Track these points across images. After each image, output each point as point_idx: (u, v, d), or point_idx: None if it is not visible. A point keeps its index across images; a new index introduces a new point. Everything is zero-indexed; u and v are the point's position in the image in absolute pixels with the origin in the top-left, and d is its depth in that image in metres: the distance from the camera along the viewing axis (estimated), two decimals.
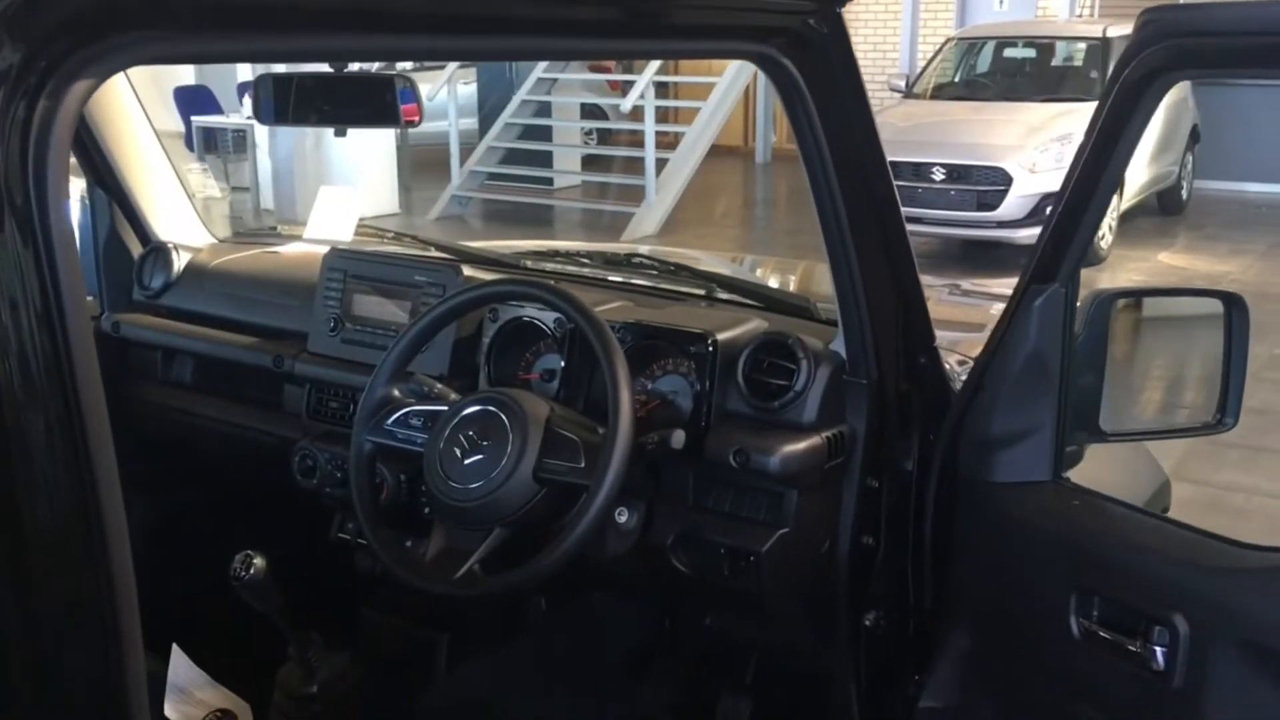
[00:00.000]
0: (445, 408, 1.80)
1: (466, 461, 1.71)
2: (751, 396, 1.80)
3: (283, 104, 1.83)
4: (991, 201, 8.85)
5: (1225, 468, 5.05)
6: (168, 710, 1.97)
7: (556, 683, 2.37)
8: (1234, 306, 1.66)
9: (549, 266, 2.40)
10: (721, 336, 1.84)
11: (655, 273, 2.26)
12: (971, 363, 2.01)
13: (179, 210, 2.59)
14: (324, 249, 2.27)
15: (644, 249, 2.31)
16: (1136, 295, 1.75)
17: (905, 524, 1.91)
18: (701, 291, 2.24)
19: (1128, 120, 1.43)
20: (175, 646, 2.10)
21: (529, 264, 2.39)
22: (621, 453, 1.63)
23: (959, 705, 1.72)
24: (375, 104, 1.78)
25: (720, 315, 2.01)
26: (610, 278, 2.34)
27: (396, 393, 1.86)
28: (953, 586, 1.76)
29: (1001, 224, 8.90)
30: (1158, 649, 1.41)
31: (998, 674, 1.67)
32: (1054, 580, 1.55)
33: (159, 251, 2.51)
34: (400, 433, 1.82)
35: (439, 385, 1.88)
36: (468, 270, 2.10)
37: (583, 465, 1.67)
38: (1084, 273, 1.64)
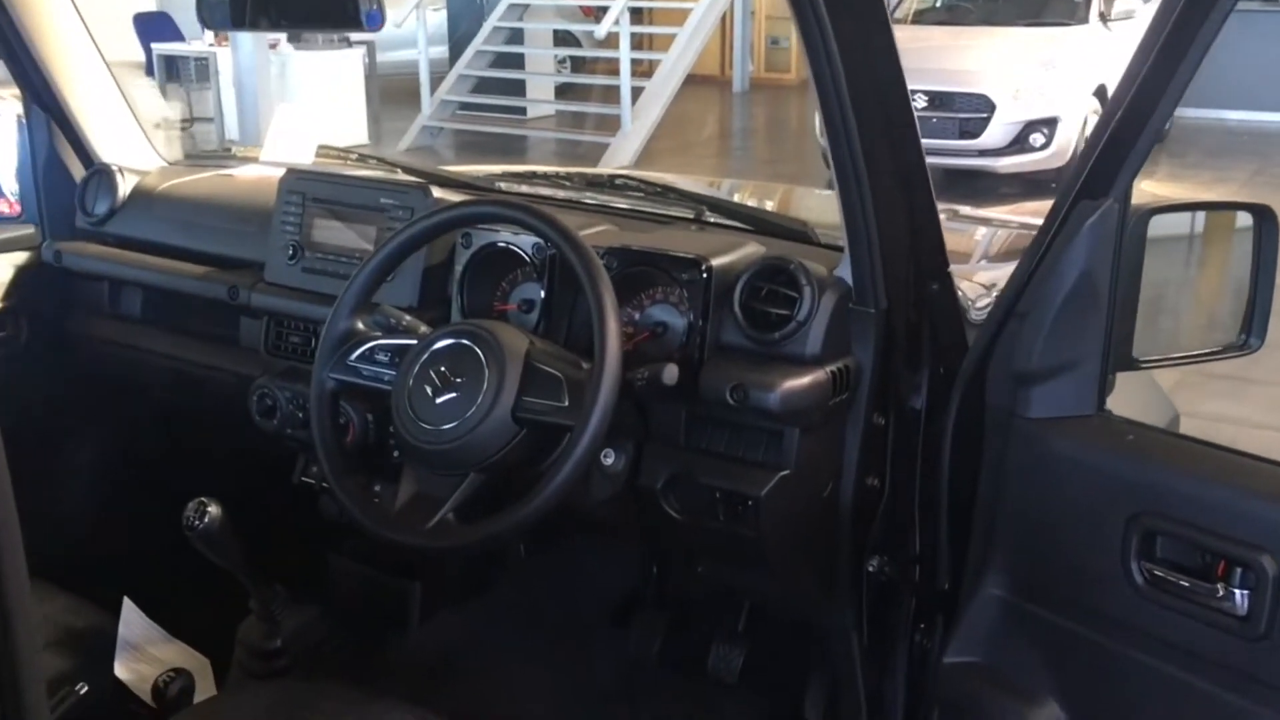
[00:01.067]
0: (414, 342, 1.64)
1: (438, 401, 1.55)
2: (749, 327, 1.65)
3: (236, 7, 1.65)
4: (973, 129, 8.69)
5: (1213, 398, 4.95)
6: (118, 668, 1.83)
7: (536, 633, 2.24)
8: (1265, 220, 1.54)
9: (525, 189, 2.23)
10: (716, 262, 1.69)
11: (640, 195, 2.09)
12: (987, 291, 1.87)
13: (124, 130, 2.41)
14: (281, 172, 2.09)
15: (626, 171, 2.13)
16: (1174, 210, 1.60)
17: (913, 464, 1.77)
18: (690, 214, 2.08)
19: (1208, 11, 1.28)
20: (126, 600, 1.96)
21: (503, 186, 2.22)
22: (608, 389, 1.48)
23: (994, 660, 1.59)
24: (333, 4, 1.60)
25: (713, 239, 1.85)
26: (591, 200, 2.17)
27: (361, 326, 1.70)
28: (980, 531, 1.62)
29: (983, 152, 8.75)
30: (1239, 592, 1.28)
31: (1040, 625, 1.53)
32: (1108, 521, 1.41)
33: (103, 174, 2.32)
34: (366, 369, 1.67)
35: (407, 317, 1.72)
36: (438, 193, 1.93)
37: (566, 404, 1.52)
38: None
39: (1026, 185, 8.79)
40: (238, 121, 10.49)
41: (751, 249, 1.77)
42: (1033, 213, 2.59)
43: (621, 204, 2.15)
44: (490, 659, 2.15)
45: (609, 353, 1.48)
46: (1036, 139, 8.66)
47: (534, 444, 1.57)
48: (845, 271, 1.67)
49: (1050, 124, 8.67)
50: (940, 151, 8.76)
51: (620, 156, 9.87)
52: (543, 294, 1.80)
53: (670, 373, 1.55)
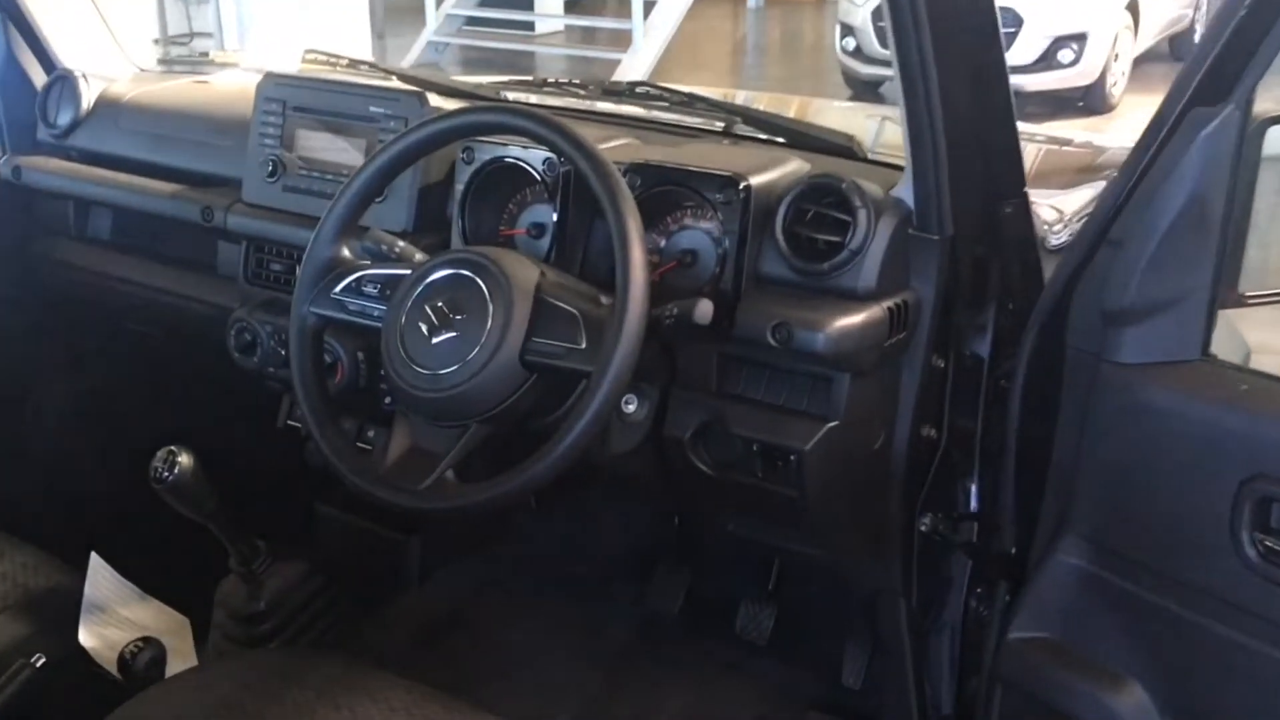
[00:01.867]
0: (408, 272, 1.42)
1: (435, 340, 1.34)
2: (794, 257, 1.43)
3: None
4: None
5: (1257, 327, 4.71)
6: (83, 634, 1.64)
7: (547, 590, 2.05)
8: None
9: (534, 99, 2.00)
10: (756, 180, 1.46)
11: (663, 105, 1.86)
12: (1061, 216, 1.64)
13: (90, 32, 2.17)
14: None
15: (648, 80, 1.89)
16: None
17: (974, 412, 1.56)
18: (720, 126, 1.85)
19: None
20: (94, 555, 1.76)
21: (510, 97, 1.99)
22: (632, 329, 1.26)
23: (1068, 637, 1.39)
24: None
25: (749, 155, 1.62)
26: (609, 111, 1.94)
27: (346, 252, 1.48)
28: (1055, 491, 1.42)
29: (1010, 69, 8.39)
30: None
31: (1126, 599, 1.33)
32: (1216, 484, 1.20)
33: (65, 81, 2.09)
34: (352, 303, 1.45)
35: (400, 244, 1.50)
36: (435, 101, 1.70)
37: (583, 345, 1.30)
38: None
39: (1053, 104, 8.45)
40: (239, 38, 10.17)
41: (795, 166, 1.54)
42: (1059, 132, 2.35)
43: (642, 115, 1.92)
44: (496, 620, 1.96)
45: (633, 286, 1.27)
46: (1065, 55, 8.31)
47: (545, 390, 1.37)
48: (905, 192, 1.44)
49: (1079, 39, 8.31)
50: None
51: (631, 73, 9.54)
52: (555, 217, 1.58)
53: (703, 310, 1.34)
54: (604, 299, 1.41)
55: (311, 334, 1.46)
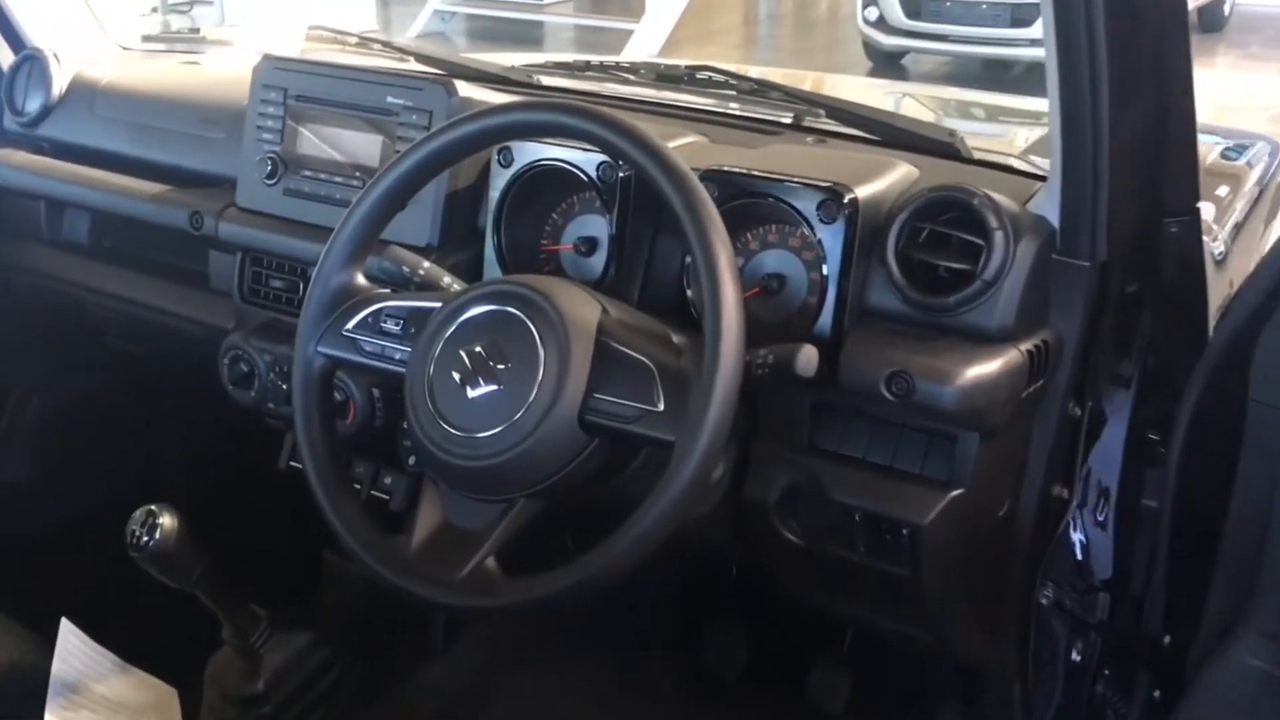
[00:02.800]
0: (436, 305, 1.16)
1: (472, 394, 1.08)
2: (910, 287, 1.17)
3: None
4: (1027, 16, 8.03)
5: None
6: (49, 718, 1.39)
7: (590, 647, 1.79)
8: None
9: (574, 86, 1.73)
10: (863, 192, 1.19)
11: (730, 92, 1.58)
12: (1216, 227, 1.38)
13: (63, 6, 1.89)
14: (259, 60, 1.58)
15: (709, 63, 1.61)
16: None
17: (1111, 470, 1.30)
18: (788, 118, 1.58)
19: None
20: (65, 622, 1.51)
21: (546, 82, 1.71)
22: (726, 389, 1.00)
23: None
24: None
25: (843, 158, 1.36)
26: (655, 99, 1.67)
27: (361, 279, 1.22)
28: (1230, 575, 1.16)
29: (1035, 41, 8.09)
30: None
31: None
32: None
33: (34, 62, 1.83)
34: (368, 342, 1.19)
35: (426, 265, 1.24)
36: (464, 90, 1.43)
37: (660, 407, 1.04)
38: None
39: None
40: (242, 6, 9.82)
41: (903, 172, 1.27)
42: None
43: (698, 105, 1.65)
44: (532, 689, 1.70)
45: (726, 334, 1.00)
46: None
47: (610, 457, 1.11)
48: (1047, 208, 1.18)
49: None
50: (990, 40, 8.14)
51: (645, 44, 9.22)
52: (610, 231, 1.31)
53: (807, 359, 1.07)
54: (675, 338, 1.15)
55: (319, 379, 1.20)
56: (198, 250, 1.65)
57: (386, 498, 1.52)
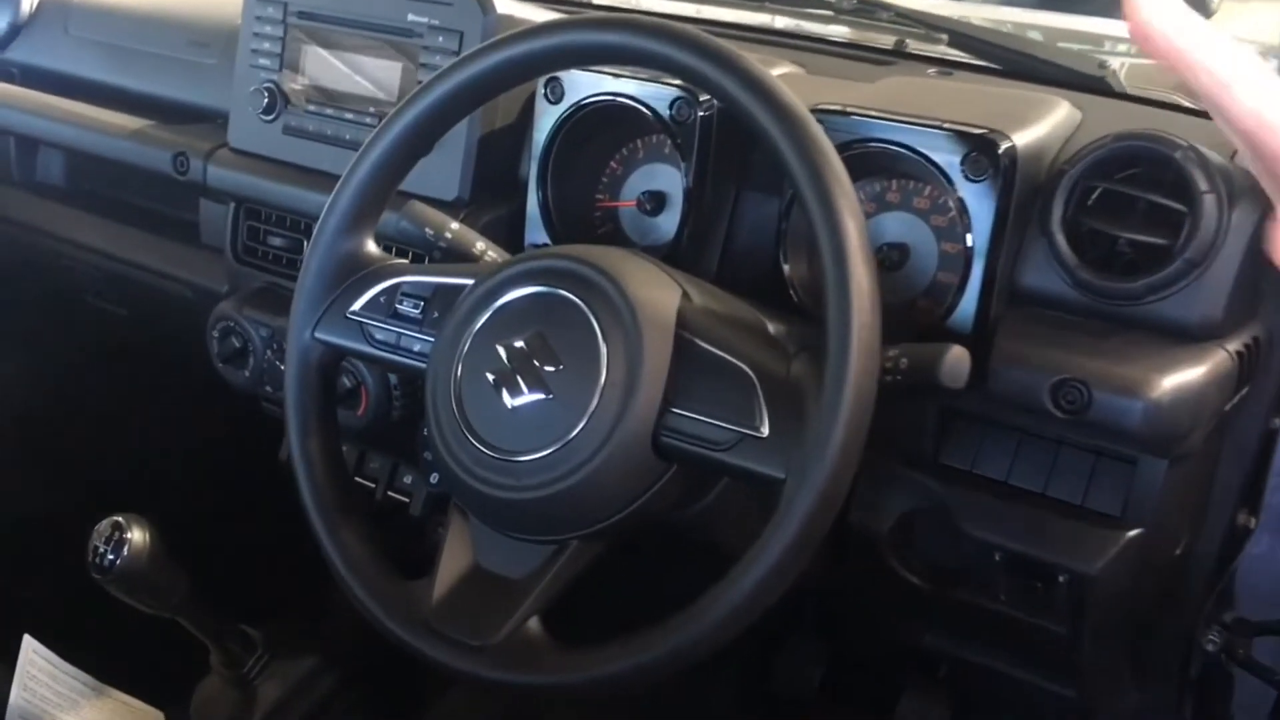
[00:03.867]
0: (467, 282, 0.90)
1: (513, 403, 0.82)
2: (1084, 267, 0.90)
3: None
4: None
5: None
6: None
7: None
8: None
9: (632, 2, 1.44)
10: (1021, 139, 0.92)
11: (828, 11, 1.30)
12: None
13: None
14: None
15: None
16: None
17: None
18: (890, 43, 1.29)
19: None
20: (28, 640, 1.28)
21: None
22: (857, 409, 0.73)
23: None
24: None
25: (983, 94, 1.08)
26: (744, 20, 1.38)
27: (372, 246, 0.95)
28: None
29: None
30: None
31: None
32: None
33: None
34: (380, 327, 0.93)
35: (454, 225, 0.98)
36: (503, 5, 1.15)
37: (764, 431, 0.77)
38: None
39: None
40: None
41: (1066, 115, 0.99)
42: None
43: (790, 26, 1.36)
44: (577, 709, 1.46)
45: (859, 334, 0.73)
46: None
47: (689, 488, 0.85)
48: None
49: None
50: None
51: None
52: (686, 184, 1.04)
53: (955, 367, 0.80)
54: (771, 328, 0.89)
55: (317, 372, 0.94)
56: (188, 197, 1.40)
57: (406, 500, 1.28)
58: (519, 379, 0.82)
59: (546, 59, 0.87)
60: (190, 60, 1.41)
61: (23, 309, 1.64)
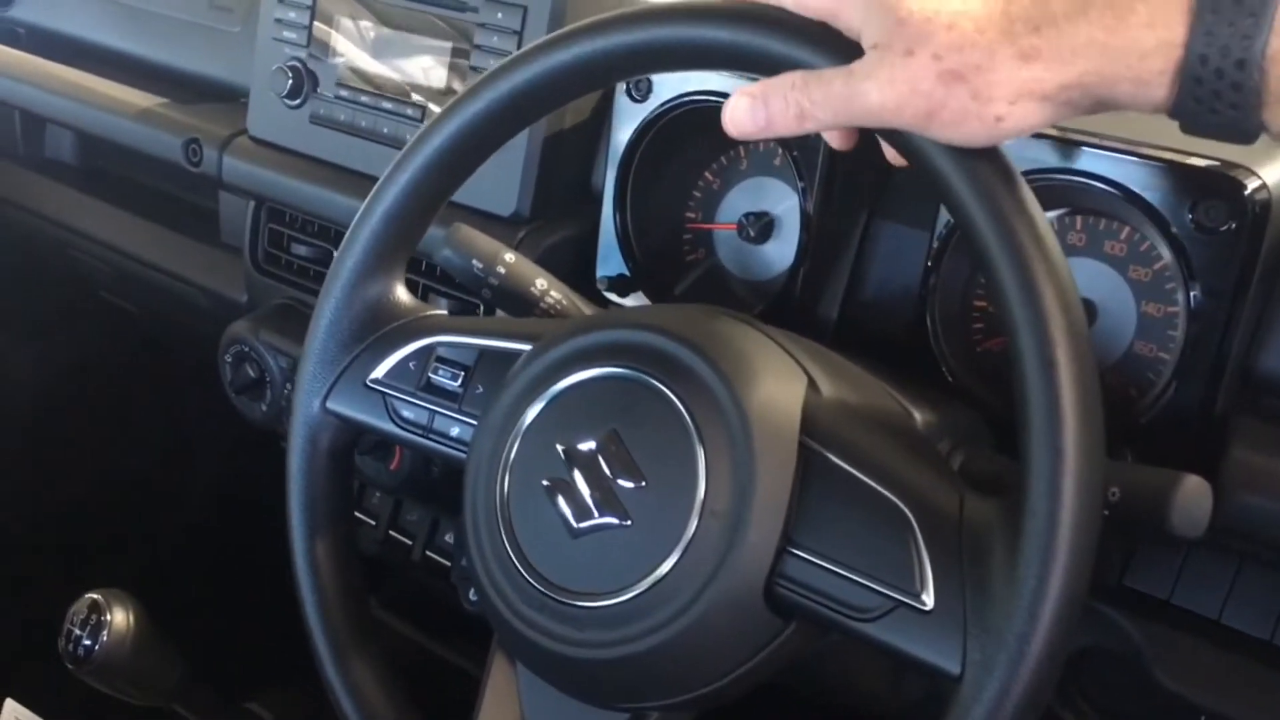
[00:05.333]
0: (522, 348, 0.69)
1: (579, 525, 0.61)
2: None
3: None
4: None
5: None
6: None
7: None
8: None
9: None
10: (1272, 174, 0.68)
11: None
12: None
13: None
14: None
15: None
16: None
17: None
18: None
19: None
20: (10, 704, 1.10)
21: None
22: (1066, 592, 0.51)
23: None
24: None
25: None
26: None
27: (401, 293, 0.74)
28: None
29: None
30: None
31: None
32: None
33: None
34: (407, 402, 0.72)
35: (509, 257, 0.76)
36: None
37: (927, 598, 0.55)
38: None
39: None
40: None
41: None
42: None
43: None
44: None
45: (1072, 491, 0.51)
46: None
47: (809, 640, 0.64)
48: None
49: None
50: None
51: None
52: (804, 206, 0.82)
53: (1191, 507, 0.57)
54: (918, 416, 0.67)
55: (328, 452, 0.74)
56: (205, 185, 1.20)
57: (447, 563, 1.08)
58: (586, 496, 0.61)
59: (635, 59, 0.65)
60: (210, 26, 1.21)
61: (29, 300, 1.46)
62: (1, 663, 1.19)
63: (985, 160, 0.53)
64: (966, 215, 0.53)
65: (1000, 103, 0.51)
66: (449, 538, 1.07)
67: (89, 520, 1.30)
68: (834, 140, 0.63)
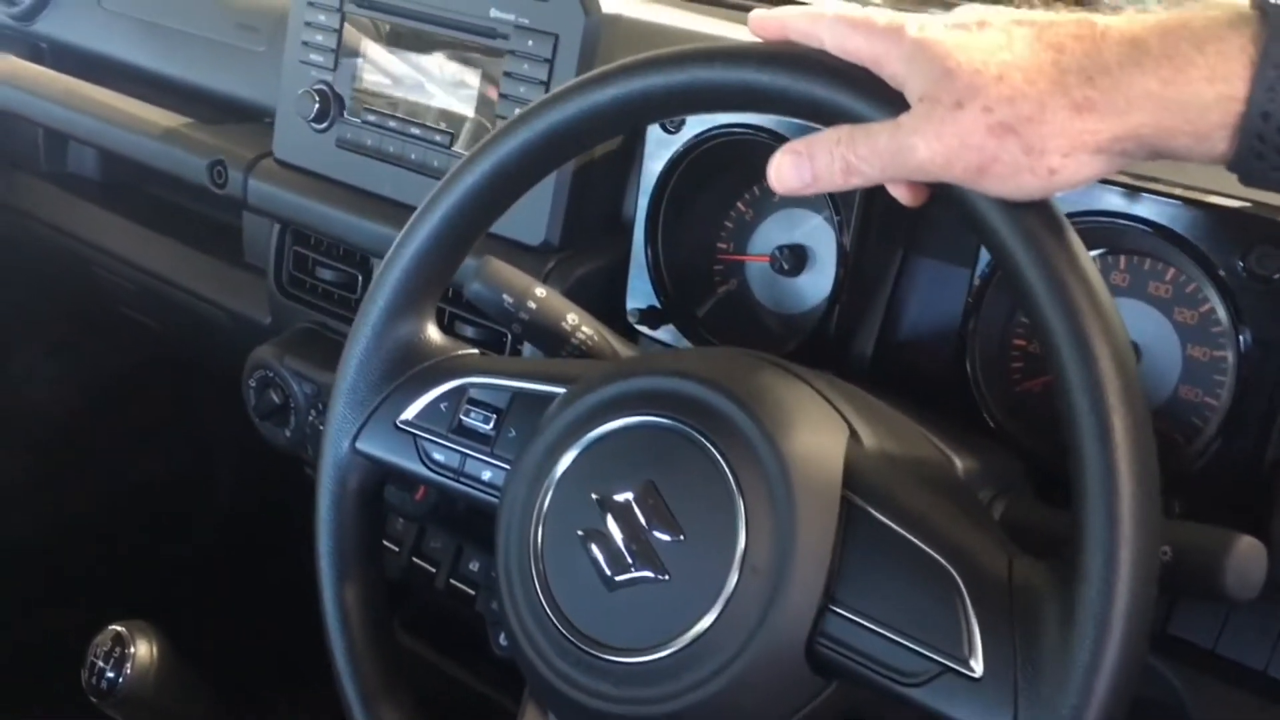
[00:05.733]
0: (556, 390, 0.67)
1: (619, 579, 0.60)
2: None
3: None
4: None
5: None
6: None
7: None
8: None
9: None
10: None
11: None
12: None
13: None
14: None
15: None
16: None
17: None
18: None
19: None
20: None
21: None
22: (1123, 664, 0.50)
23: None
24: None
25: None
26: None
27: (432, 332, 0.73)
28: None
29: None
30: None
31: None
32: None
33: None
34: (438, 444, 0.71)
35: (539, 291, 0.75)
36: (609, 2, 0.91)
37: (977, 667, 0.54)
38: None
39: None
40: None
41: None
42: None
43: None
44: None
45: (1129, 560, 0.50)
46: None
47: (850, 699, 0.62)
48: None
49: None
50: None
51: None
52: (840, 240, 0.81)
53: (1245, 569, 0.56)
54: (959, 463, 0.66)
55: (357, 493, 0.73)
56: (230, 206, 1.19)
57: (472, 593, 1.06)
58: (622, 548, 0.60)
59: (674, 101, 0.63)
60: (236, 46, 1.20)
61: (51, 315, 1.45)
62: (22, 690, 1.18)
63: (1036, 214, 0.52)
64: (1018, 271, 0.52)
65: (1054, 155, 0.49)
66: (473, 566, 1.06)
67: (107, 539, 1.29)
68: (902, 195, 0.61)
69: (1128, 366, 0.51)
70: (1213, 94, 0.47)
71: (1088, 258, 0.52)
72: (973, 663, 0.53)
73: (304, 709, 1.13)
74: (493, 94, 0.93)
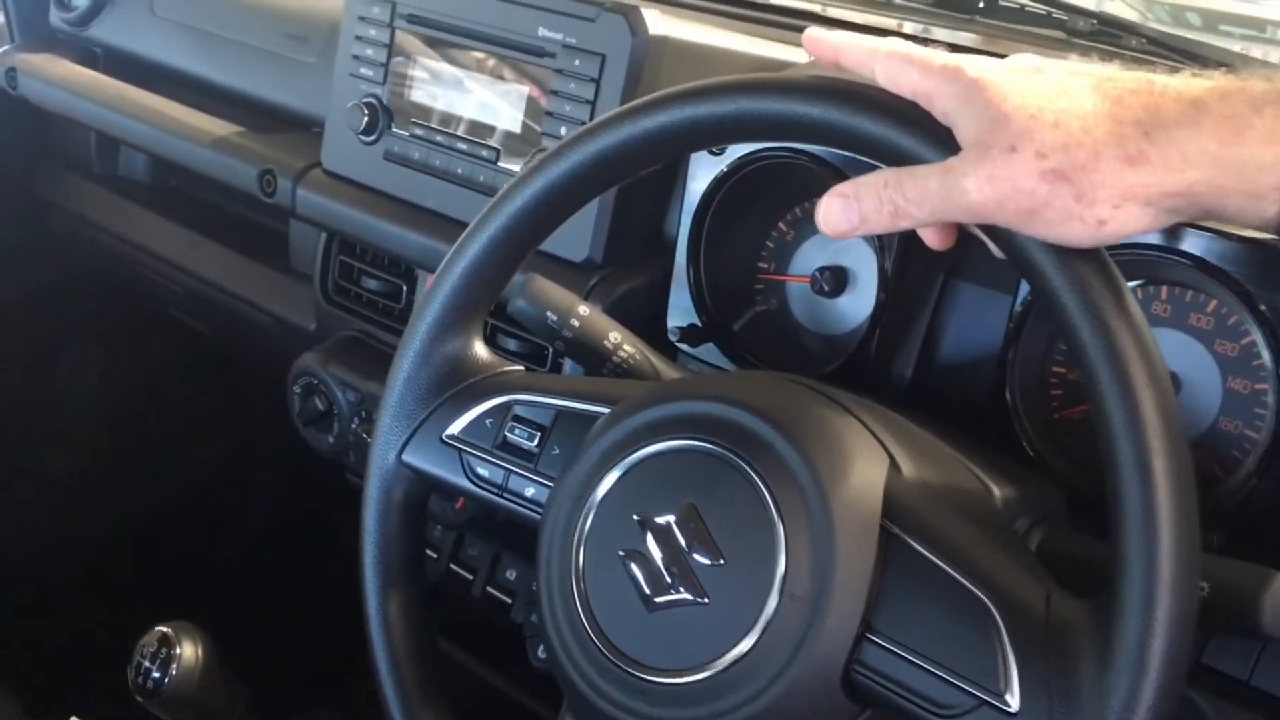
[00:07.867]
0: (600, 410, 0.69)
1: (658, 600, 0.61)
2: None
3: None
4: None
5: None
6: None
7: None
8: None
9: (883, 23, 1.19)
10: None
11: (1059, 34, 1.04)
12: None
13: None
14: None
15: None
16: None
17: None
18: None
19: None
20: None
21: (837, 13, 1.18)
22: (1159, 701, 0.50)
23: None
24: None
25: None
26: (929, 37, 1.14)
27: (479, 349, 0.74)
28: None
29: None
30: None
31: None
32: None
33: None
34: (483, 460, 0.72)
35: (582, 309, 0.76)
36: (661, 23, 0.92)
37: (1013, 702, 0.54)
38: None
39: None
40: None
41: None
42: None
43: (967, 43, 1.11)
44: None
45: (1164, 579, 0.50)
46: None
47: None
48: None
49: None
50: None
51: None
52: (882, 263, 0.81)
53: None
54: (997, 491, 0.66)
55: (402, 505, 0.74)
56: (277, 213, 1.21)
57: (508, 601, 1.08)
58: (663, 570, 0.61)
59: (722, 129, 0.64)
60: (286, 56, 1.22)
61: (100, 316, 1.48)
62: (67, 687, 1.21)
63: (1086, 261, 0.52)
64: (1066, 315, 0.53)
65: (1104, 205, 0.50)
66: (510, 574, 1.08)
67: (153, 539, 1.31)
68: (932, 239, 0.62)
69: (1169, 410, 0.51)
70: (1270, 155, 0.48)
71: (1137, 308, 0.53)
72: (1008, 697, 0.54)
73: (342, 713, 1.14)
74: (539, 112, 0.94)
